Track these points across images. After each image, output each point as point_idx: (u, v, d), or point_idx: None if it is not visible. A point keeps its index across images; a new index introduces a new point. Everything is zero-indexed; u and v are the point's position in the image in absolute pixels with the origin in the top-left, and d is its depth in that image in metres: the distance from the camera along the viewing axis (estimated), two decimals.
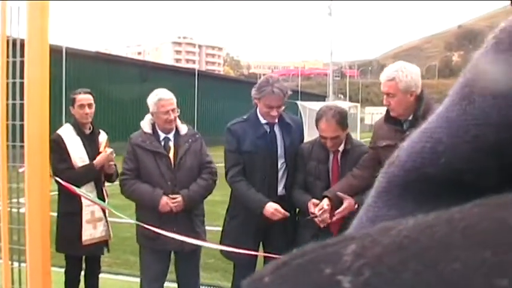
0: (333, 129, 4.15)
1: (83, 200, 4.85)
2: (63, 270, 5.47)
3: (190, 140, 4.68)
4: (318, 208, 4.04)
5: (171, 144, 4.62)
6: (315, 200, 4.13)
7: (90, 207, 4.89)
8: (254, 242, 4.54)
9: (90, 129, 5.09)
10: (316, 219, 4.09)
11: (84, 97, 5.02)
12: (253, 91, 4.39)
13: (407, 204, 0.46)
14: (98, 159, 4.92)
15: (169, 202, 4.43)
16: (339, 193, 4.08)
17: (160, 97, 4.56)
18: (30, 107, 3.46)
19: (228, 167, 4.48)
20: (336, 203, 4.09)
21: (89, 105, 5.02)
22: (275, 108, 4.33)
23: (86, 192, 4.83)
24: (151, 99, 4.59)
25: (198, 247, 4.74)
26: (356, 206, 4.07)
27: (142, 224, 4.46)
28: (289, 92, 4.49)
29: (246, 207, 4.40)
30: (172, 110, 4.57)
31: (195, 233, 4.63)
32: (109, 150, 5.05)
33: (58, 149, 4.75)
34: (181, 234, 4.45)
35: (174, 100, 4.65)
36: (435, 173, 0.45)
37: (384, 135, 4.07)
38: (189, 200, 4.55)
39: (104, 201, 5.09)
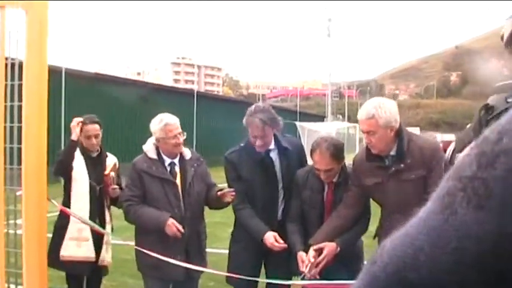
0: (326, 162, 4.13)
1: (71, 217, 4.86)
2: None
3: (195, 165, 4.66)
4: (305, 265, 4.02)
5: (177, 169, 4.56)
6: (301, 254, 4.09)
7: (77, 225, 4.88)
8: (255, 268, 4.54)
9: (97, 151, 5.15)
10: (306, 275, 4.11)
11: (91, 128, 5.06)
12: (243, 120, 4.41)
13: None
14: (73, 133, 4.88)
15: (175, 223, 4.32)
16: (317, 246, 4.04)
17: (167, 122, 4.49)
18: (28, 130, 3.45)
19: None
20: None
21: (96, 136, 5.06)
22: (258, 137, 4.34)
23: (80, 216, 4.81)
24: (157, 125, 4.50)
25: (199, 274, 4.73)
26: (338, 249, 4.07)
27: (145, 251, 4.36)
28: (280, 121, 4.46)
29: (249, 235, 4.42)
30: (179, 134, 4.53)
31: (201, 257, 4.65)
32: (112, 173, 5.06)
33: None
34: (189, 259, 4.45)
35: (179, 124, 4.59)
36: (418, 280, 0.45)
37: (368, 173, 4.04)
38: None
39: (105, 224, 5.08)
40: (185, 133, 4.60)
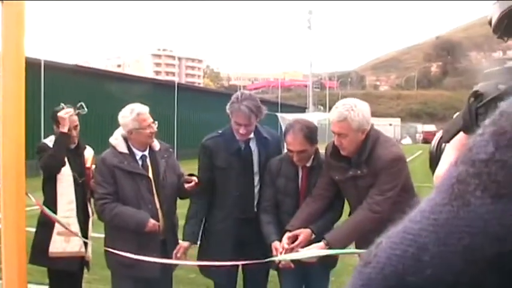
0: (298, 142, 4.10)
1: (59, 212, 4.79)
2: (41, 287, 5.39)
3: (165, 156, 4.55)
4: (279, 252, 4.01)
5: (149, 162, 4.44)
6: (275, 243, 4.08)
7: (64, 219, 4.80)
8: (231, 258, 4.52)
9: (75, 143, 5.04)
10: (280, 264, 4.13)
11: (70, 119, 4.93)
12: (227, 106, 4.36)
13: None
14: (64, 126, 4.82)
15: (156, 223, 4.23)
16: (292, 233, 4.03)
17: (139, 111, 4.36)
18: (6, 124, 3.40)
19: (196, 191, 4.45)
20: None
21: (75, 127, 4.99)
22: (243, 126, 4.27)
23: (57, 218, 4.75)
24: (128, 116, 4.34)
25: (174, 267, 4.68)
26: (313, 236, 4.05)
27: (120, 253, 4.14)
28: (264, 110, 4.38)
29: (227, 223, 4.39)
30: (152, 123, 4.40)
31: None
32: (93, 166, 5.00)
33: (45, 153, 4.75)
34: (166, 253, 4.37)
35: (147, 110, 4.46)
36: (421, 283, 0.38)
37: (333, 168, 4.07)
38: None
39: (88, 217, 5.03)
40: (156, 122, 4.47)
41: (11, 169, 3.41)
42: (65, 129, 4.79)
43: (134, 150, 4.40)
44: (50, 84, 23.22)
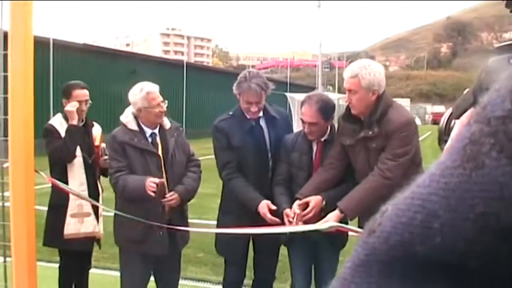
0: (311, 114, 4.13)
1: (70, 193, 4.79)
2: (50, 265, 5.43)
3: (175, 134, 4.56)
4: (291, 218, 4.04)
5: (158, 140, 4.46)
6: (286, 210, 4.10)
7: (77, 201, 4.81)
8: (244, 240, 4.54)
9: (82, 121, 5.01)
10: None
11: (81, 93, 4.95)
12: (234, 86, 4.36)
13: (392, 285, 0.38)
14: (73, 119, 4.79)
15: (153, 185, 4.15)
16: (302, 201, 4.06)
17: (149, 90, 4.37)
18: (14, 101, 3.40)
19: (222, 164, 4.42)
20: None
21: (86, 102, 4.96)
22: (254, 104, 4.29)
23: (71, 188, 4.76)
24: (138, 95, 4.37)
25: (183, 245, 4.69)
26: (324, 203, 4.07)
27: (139, 219, 4.20)
28: (271, 87, 4.40)
29: (241, 205, 4.35)
30: (162, 102, 4.41)
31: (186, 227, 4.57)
32: (102, 144, 4.99)
33: (52, 137, 4.72)
34: (173, 232, 4.36)
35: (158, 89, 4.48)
36: (429, 253, 0.36)
37: (344, 132, 4.10)
38: (186, 194, 4.45)
39: (98, 196, 5.02)
40: (166, 101, 4.48)
41: (19, 147, 3.41)
42: (75, 122, 4.78)
43: (144, 128, 4.42)
44: (58, 62, 23.24)
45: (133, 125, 4.40)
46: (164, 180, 4.31)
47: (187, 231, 4.66)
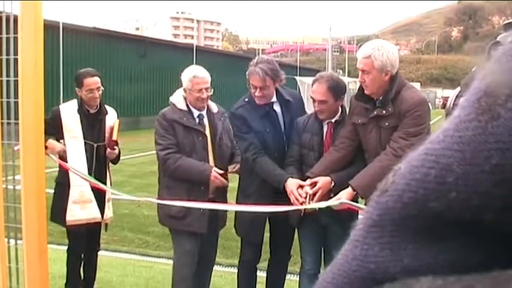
0: (321, 92, 4.17)
1: (71, 180, 4.80)
2: (60, 247, 5.47)
3: (222, 118, 4.68)
4: (303, 198, 4.07)
5: (206, 122, 4.57)
6: (299, 191, 4.11)
7: (79, 188, 4.83)
8: (262, 222, 4.57)
9: (96, 108, 5.02)
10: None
11: (92, 81, 4.94)
12: (247, 72, 4.40)
13: (405, 245, 0.37)
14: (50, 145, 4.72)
15: (219, 176, 4.35)
16: (311, 180, 4.11)
17: (195, 74, 4.50)
18: (25, 84, 3.41)
19: (245, 146, 4.40)
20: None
21: (98, 89, 4.96)
22: (258, 88, 4.31)
23: (79, 172, 4.77)
24: (186, 76, 4.52)
25: (221, 227, 4.86)
26: (332, 183, 4.11)
27: (164, 202, 4.33)
28: (282, 75, 4.43)
29: (261, 187, 4.40)
30: (206, 89, 4.51)
31: (225, 212, 4.78)
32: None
33: (52, 121, 4.70)
34: (214, 212, 4.52)
35: (209, 79, 4.58)
36: (443, 209, 0.35)
37: (357, 111, 4.12)
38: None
39: (105, 183, 5.02)
40: (213, 89, 4.58)
41: (30, 130, 3.43)
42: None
43: (192, 108, 4.54)
44: (68, 46, 23.28)
45: (182, 105, 4.51)
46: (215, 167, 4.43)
47: (226, 211, 4.79)
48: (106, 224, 5.16)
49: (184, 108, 4.51)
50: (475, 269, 0.32)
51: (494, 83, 0.34)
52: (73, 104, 4.95)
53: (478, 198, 0.33)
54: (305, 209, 4.15)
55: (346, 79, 37.20)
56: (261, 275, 4.95)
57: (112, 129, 5.04)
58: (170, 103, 4.58)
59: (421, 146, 0.38)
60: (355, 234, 0.40)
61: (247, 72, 4.38)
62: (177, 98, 4.57)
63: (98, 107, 5.03)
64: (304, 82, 30.84)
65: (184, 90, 4.53)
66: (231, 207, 4.65)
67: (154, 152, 4.52)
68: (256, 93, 4.32)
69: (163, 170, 4.54)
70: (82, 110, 4.92)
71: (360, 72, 3.94)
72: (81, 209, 4.83)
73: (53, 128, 4.67)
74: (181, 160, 4.37)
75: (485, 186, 0.33)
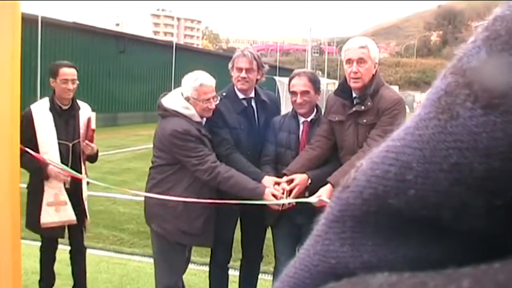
0: (303, 83, 4.26)
1: (45, 184, 4.72)
2: (34, 243, 5.43)
3: None
4: (281, 194, 4.09)
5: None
6: (275, 187, 4.12)
7: (53, 190, 4.75)
8: (233, 221, 4.60)
9: (68, 104, 4.87)
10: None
11: (68, 71, 4.82)
12: (230, 64, 4.40)
13: (365, 241, 0.37)
14: (51, 171, 4.68)
15: (275, 193, 4.07)
16: (288, 178, 4.14)
17: (202, 82, 4.20)
18: (1, 78, 3.38)
19: (219, 141, 4.32)
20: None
21: (73, 81, 4.82)
22: (244, 70, 4.33)
23: (56, 163, 4.71)
24: (190, 83, 4.22)
25: None
26: (309, 181, 4.15)
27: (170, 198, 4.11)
28: (265, 68, 4.52)
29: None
30: (213, 98, 4.24)
31: None
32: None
33: (25, 127, 4.25)
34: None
35: (214, 85, 4.29)
36: (402, 206, 0.35)
37: (334, 109, 4.19)
38: None
39: (81, 182, 4.94)
40: (218, 97, 4.31)
41: (5, 124, 3.40)
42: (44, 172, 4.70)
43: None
44: (47, 40, 23.05)
45: (197, 117, 4.21)
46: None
47: None
48: (85, 227, 5.12)
49: (199, 119, 4.23)
50: (433, 266, 0.32)
51: (454, 82, 0.35)
52: (44, 102, 4.82)
53: (436, 197, 0.34)
54: (283, 205, 4.14)
55: (325, 80, 37.41)
56: (236, 274, 4.96)
57: (87, 123, 4.93)
58: (178, 113, 4.18)
59: (384, 143, 0.38)
60: (317, 229, 0.40)
61: (230, 64, 4.40)
62: (188, 110, 4.19)
63: (70, 102, 4.89)
64: (283, 82, 30.82)
65: (187, 99, 4.20)
66: (203, 200, 4.56)
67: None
68: (241, 75, 4.33)
69: (209, 180, 4.11)
70: (54, 107, 4.78)
71: (354, 63, 3.95)
72: (55, 212, 4.74)
73: (27, 134, 4.46)
74: (234, 174, 4.10)
75: (443, 185, 0.33)
